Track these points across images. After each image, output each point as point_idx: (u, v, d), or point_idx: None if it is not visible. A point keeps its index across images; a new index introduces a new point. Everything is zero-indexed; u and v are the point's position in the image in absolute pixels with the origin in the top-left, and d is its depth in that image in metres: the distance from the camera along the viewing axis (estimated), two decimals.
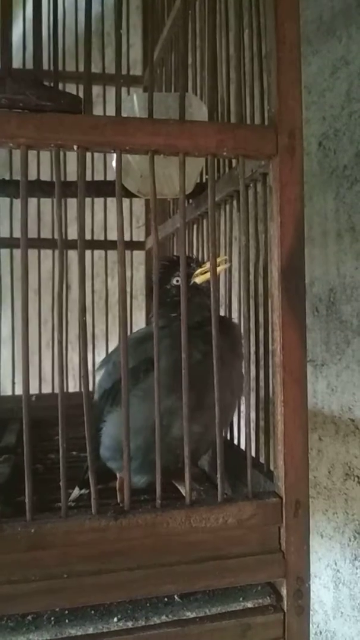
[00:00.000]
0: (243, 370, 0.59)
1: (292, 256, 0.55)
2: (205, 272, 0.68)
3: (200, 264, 0.70)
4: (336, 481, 0.96)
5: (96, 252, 1.28)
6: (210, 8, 0.60)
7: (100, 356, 1.23)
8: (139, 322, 1.31)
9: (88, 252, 1.18)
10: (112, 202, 1.16)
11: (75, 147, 0.52)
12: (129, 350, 0.65)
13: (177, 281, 0.69)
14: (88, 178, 1.09)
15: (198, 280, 0.69)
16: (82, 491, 0.71)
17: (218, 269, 0.70)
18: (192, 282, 0.69)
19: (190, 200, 0.87)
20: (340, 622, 0.96)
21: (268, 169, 0.58)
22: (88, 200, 1.14)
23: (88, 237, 1.17)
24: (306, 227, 1.02)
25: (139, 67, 1.43)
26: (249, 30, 0.65)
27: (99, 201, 1.26)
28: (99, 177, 1.17)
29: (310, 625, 1.04)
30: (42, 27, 0.52)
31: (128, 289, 1.21)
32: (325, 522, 0.99)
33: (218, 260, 0.71)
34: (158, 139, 0.53)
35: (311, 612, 1.04)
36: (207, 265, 0.68)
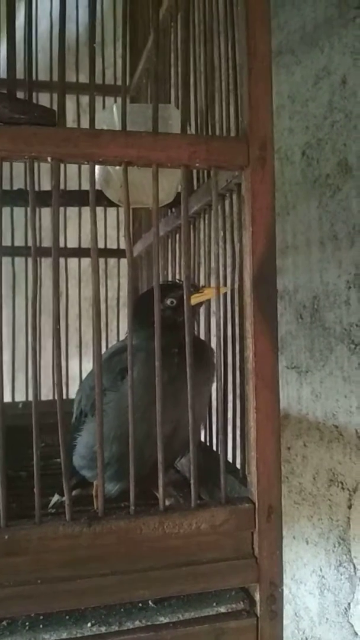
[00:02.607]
0: (215, 377, 0.60)
1: (264, 265, 0.56)
2: (201, 295, 0.68)
3: (198, 289, 0.69)
4: (321, 487, 0.97)
5: (87, 259, 1.29)
6: (183, 20, 0.61)
7: (90, 363, 1.24)
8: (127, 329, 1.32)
9: (75, 260, 1.19)
10: (99, 210, 1.17)
11: (49, 159, 0.53)
12: (106, 362, 0.66)
13: (171, 302, 0.69)
14: (75, 187, 1.10)
15: (192, 301, 0.70)
16: (63, 498, 0.72)
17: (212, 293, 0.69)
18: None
19: (173, 209, 0.88)
20: (326, 628, 0.96)
21: (241, 179, 0.59)
22: (75, 209, 1.15)
23: (75, 245, 1.18)
24: (290, 235, 1.03)
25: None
26: (224, 42, 0.67)
27: (87, 209, 1.27)
28: (87, 186, 1.18)
29: (297, 632, 1.05)
30: (15, 40, 0.53)
31: (117, 297, 1.22)
32: (310, 528, 1.00)
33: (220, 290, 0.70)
34: (131, 151, 0.54)
35: (297, 619, 1.04)
36: (205, 290, 0.68)
